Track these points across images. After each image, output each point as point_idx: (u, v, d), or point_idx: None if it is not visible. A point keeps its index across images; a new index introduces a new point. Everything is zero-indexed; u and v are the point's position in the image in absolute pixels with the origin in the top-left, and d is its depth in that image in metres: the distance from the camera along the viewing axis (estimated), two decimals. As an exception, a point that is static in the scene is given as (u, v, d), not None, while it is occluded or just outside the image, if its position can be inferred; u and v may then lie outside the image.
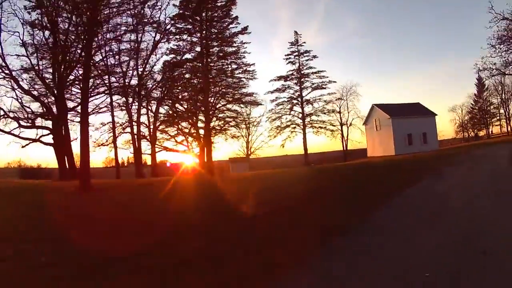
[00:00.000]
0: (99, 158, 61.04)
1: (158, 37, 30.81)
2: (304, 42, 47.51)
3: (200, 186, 15.59)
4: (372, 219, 6.00)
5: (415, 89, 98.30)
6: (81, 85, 19.78)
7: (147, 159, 36.71)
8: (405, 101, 47.21)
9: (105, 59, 28.48)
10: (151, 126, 32.95)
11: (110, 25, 25.52)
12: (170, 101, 33.33)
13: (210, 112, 31.95)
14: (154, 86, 32.76)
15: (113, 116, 31.07)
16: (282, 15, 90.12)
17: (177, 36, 31.15)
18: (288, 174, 21.07)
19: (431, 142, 40.44)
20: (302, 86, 46.47)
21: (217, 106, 34.48)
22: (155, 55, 31.46)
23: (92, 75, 25.46)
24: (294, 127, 46.18)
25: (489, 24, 28.74)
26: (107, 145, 31.95)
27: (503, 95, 58.96)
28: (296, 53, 47.30)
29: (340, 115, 55.01)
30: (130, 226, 6.22)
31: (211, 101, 32.86)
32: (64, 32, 24.32)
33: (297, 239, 4.83)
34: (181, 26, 31.02)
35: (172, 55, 31.82)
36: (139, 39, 30.03)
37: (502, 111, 61.07)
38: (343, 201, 8.19)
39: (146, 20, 28.77)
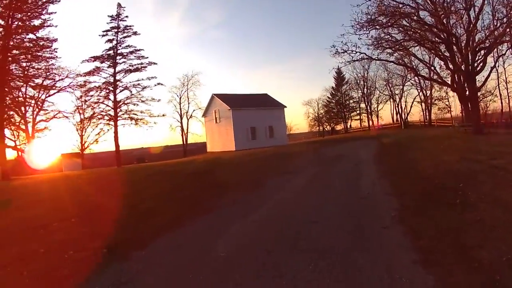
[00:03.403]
0: None
1: None
2: (127, 16, 40.07)
3: None
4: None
5: (274, 83, 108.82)
6: None
7: None
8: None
9: None
10: None
11: None
12: None
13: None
14: None
15: None
16: (145, 6, 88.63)
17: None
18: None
19: (279, 137, 39.69)
20: (117, 68, 38.73)
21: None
22: None
23: None
24: (110, 118, 38.22)
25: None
26: None
27: (365, 89, 60.95)
28: (116, 30, 39.40)
29: (180, 106, 52.03)
30: None
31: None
32: None
33: None
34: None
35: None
36: None
37: (363, 105, 63.45)
38: None
39: None
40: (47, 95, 38.15)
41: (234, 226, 6.60)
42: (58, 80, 36.53)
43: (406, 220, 6.06)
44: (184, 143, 54.38)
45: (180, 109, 54.71)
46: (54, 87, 36.67)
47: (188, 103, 54.96)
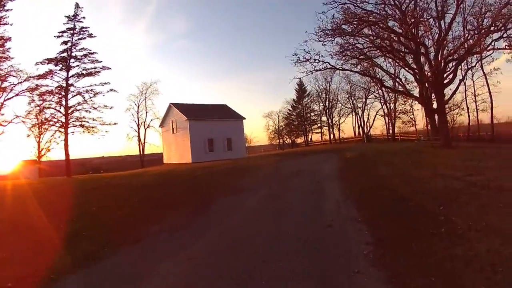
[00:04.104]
0: None
1: None
2: (84, 18, 37.17)
3: None
4: None
5: (235, 95, 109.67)
6: None
7: None
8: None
9: None
10: None
11: None
12: None
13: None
14: None
15: None
16: (114, 12, 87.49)
17: None
18: None
19: (238, 149, 38.22)
20: (71, 72, 35.75)
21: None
22: None
23: None
24: (61, 125, 35.10)
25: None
26: None
27: (327, 102, 60.01)
28: (72, 31, 36.40)
29: (138, 115, 51.20)
30: None
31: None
32: None
33: None
34: None
35: None
36: None
37: (324, 118, 62.40)
38: None
39: None
40: (6, 98, 34.86)
41: (164, 264, 5.12)
42: (18, 84, 33.88)
43: (382, 260, 4.64)
44: (141, 153, 52.34)
45: (138, 118, 52.79)
46: (12, 90, 33.75)
47: (146, 112, 53.06)
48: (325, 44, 22.44)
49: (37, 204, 10.51)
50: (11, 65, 32.42)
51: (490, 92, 39.55)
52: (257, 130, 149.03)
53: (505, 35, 20.09)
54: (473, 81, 41.16)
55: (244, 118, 40.28)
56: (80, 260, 5.53)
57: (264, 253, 5.24)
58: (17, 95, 34.76)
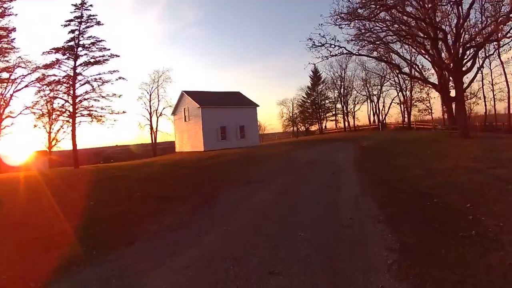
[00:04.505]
0: None
1: None
2: (91, 5, 36.69)
3: None
4: None
5: (248, 82, 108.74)
6: None
7: None
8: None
9: None
10: None
11: None
12: None
13: None
14: None
15: None
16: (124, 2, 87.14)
17: None
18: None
19: (251, 137, 37.58)
20: (79, 61, 35.44)
21: None
22: None
23: None
24: (69, 115, 35.28)
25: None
26: None
27: (342, 89, 58.63)
28: (79, 19, 36.04)
29: (150, 103, 51.76)
30: None
31: None
32: None
33: None
34: None
35: None
36: None
37: (339, 105, 61.28)
38: None
39: None
40: (15, 90, 35.34)
41: (154, 273, 4.49)
42: (27, 75, 34.30)
43: (410, 273, 3.97)
44: (154, 142, 51.69)
45: (150, 106, 51.97)
46: (22, 82, 34.24)
47: (158, 101, 52.19)
48: (342, 27, 21.57)
49: (27, 199, 9.85)
50: (19, 57, 32.49)
51: (507, 81, 37.80)
52: (271, 118, 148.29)
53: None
54: (491, 70, 39.38)
55: (258, 106, 39.52)
56: (64, 263, 5.01)
57: (274, 262, 4.58)
58: (26, 86, 35.01)
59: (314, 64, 52.41)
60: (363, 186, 9.31)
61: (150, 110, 51.98)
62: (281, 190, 9.83)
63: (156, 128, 52.08)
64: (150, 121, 51.92)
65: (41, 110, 37.76)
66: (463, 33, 21.05)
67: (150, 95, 51.98)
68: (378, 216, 6.40)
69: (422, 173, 10.33)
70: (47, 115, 38.81)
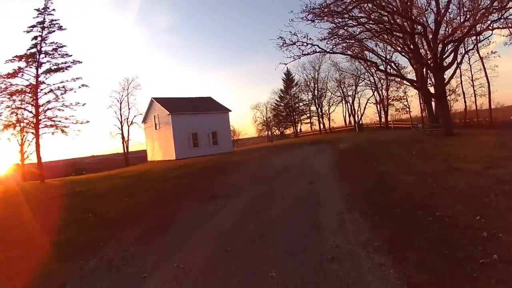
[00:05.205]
0: None
1: None
2: (54, 10, 34.17)
3: None
4: None
5: (221, 87, 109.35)
6: None
7: None
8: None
9: None
10: None
11: None
12: None
13: None
14: None
15: None
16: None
17: None
18: None
19: (224, 143, 36.33)
20: (41, 69, 32.99)
21: None
22: None
23: None
24: (33, 127, 32.72)
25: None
26: None
27: (316, 91, 58.29)
28: (41, 25, 33.51)
29: (121, 112, 49.96)
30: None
31: None
32: None
33: None
34: None
35: None
36: None
37: (313, 108, 60.75)
38: None
39: None
40: None
41: None
42: None
43: None
44: (125, 151, 50.17)
45: (121, 115, 50.15)
46: None
47: (129, 109, 50.41)
48: (314, 21, 20.37)
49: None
50: None
51: (487, 76, 37.74)
52: (246, 123, 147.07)
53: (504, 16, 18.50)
54: (470, 65, 39.24)
55: (230, 111, 38.11)
56: None
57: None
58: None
59: (287, 67, 51.66)
60: (348, 199, 7.80)
61: (121, 119, 50.10)
62: (250, 208, 8.22)
63: (128, 137, 50.27)
64: (122, 130, 50.05)
65: (8, 121, 35.40)
66: (446, 26, 20.35)
67: (121, 103, 50.12)
68: (371, 241, 4.97)
69: (413, 178, 9.04)
70: (12, 127, 36.26)
